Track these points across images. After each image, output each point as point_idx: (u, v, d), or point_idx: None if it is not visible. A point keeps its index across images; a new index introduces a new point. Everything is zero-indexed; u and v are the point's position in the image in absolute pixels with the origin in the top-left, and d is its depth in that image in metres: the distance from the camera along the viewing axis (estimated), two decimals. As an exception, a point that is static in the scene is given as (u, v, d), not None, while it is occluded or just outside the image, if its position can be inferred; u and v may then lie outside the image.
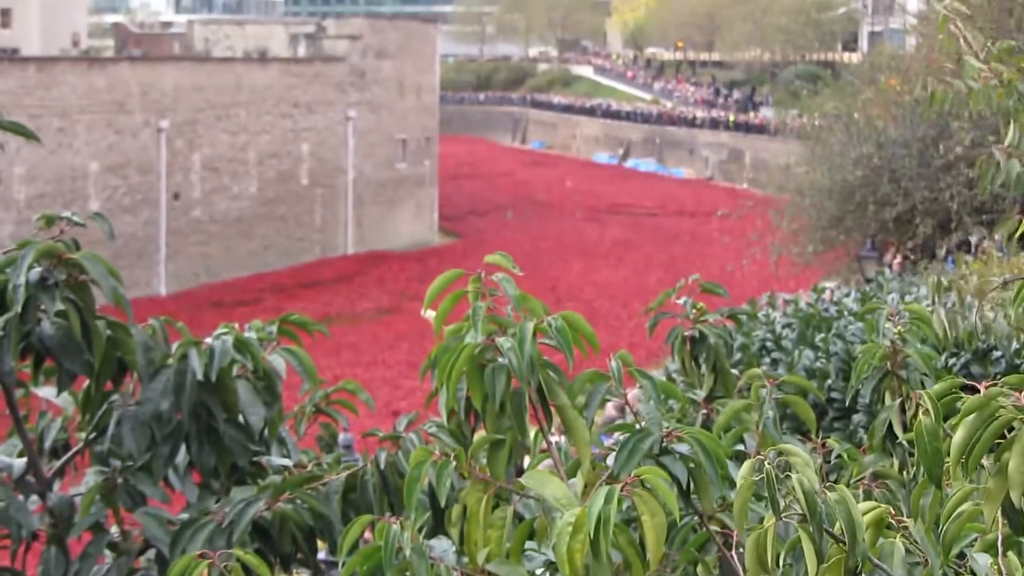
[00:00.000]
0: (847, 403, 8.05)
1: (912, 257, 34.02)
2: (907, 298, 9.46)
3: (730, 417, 4.13)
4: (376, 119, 76.68)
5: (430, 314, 3.63)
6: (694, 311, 4.80)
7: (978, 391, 3.14)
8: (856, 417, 7.70)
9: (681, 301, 4.83)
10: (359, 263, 70.86)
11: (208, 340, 3.95)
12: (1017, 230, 4.45)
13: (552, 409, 3.41)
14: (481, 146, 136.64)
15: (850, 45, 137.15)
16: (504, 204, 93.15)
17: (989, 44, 5.31)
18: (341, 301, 61.59)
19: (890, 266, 30.79)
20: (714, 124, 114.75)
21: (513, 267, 3.59)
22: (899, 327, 4.52)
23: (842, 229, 38.34)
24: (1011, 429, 3.09)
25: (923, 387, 4.26)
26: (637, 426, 3.43)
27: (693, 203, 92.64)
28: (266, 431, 4.07)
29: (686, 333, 4.79)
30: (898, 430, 4.17)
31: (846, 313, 10.84)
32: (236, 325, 4.11)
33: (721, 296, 4.97)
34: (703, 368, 4.73)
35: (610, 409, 16.48)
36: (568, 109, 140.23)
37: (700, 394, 4.69)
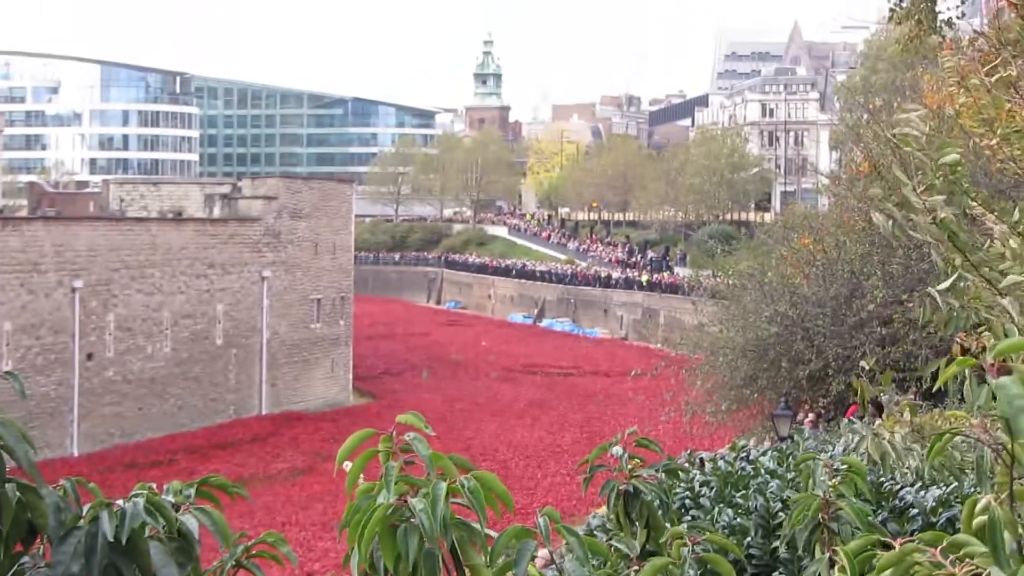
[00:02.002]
0: (766, 559, 8.03)
1: (823, 415, 34.18)
2: (823, 456, 9.51)
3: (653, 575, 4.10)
4: (291, 279, 76.71)
5: (347, 465, 3.60)
6: (629, 465, 4.78)
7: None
8: (775, 575, 7.69)
9: (617, 455, 4.82)
10: (273, 423, 70.37)
11: (119, 502, 3.90)
12: (934, 385, 4.49)
13: (466, 570, 3.38)
14: (396, 306, 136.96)
15: (763, 205, 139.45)
16: (419, 364, 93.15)
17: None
18: (255, 462, 61.03)
19: (802, 424, 30.93)
20: (628, 284, 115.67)
21: (425, 427, 3.57)
22: (834, 480, 4.54)
23: (756, 388, 38.46)
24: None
25: (852, 538, 4.25)
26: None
27: (608, 362, 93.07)
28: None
29: (621, 487, 4.77)
30: (827, 584, 4.14)
31: (763, 471, 10.86)
32: (153, 486, 4.06)
33: (654, 451, 4.96)
34: (635, 523, 4.70)
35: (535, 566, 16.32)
36: (483, 269, 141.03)
37: (634, 548, 4.66)
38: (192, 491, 4.24)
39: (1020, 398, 3.23)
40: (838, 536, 4.39)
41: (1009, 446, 3.29)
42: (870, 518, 4.49)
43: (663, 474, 4.99)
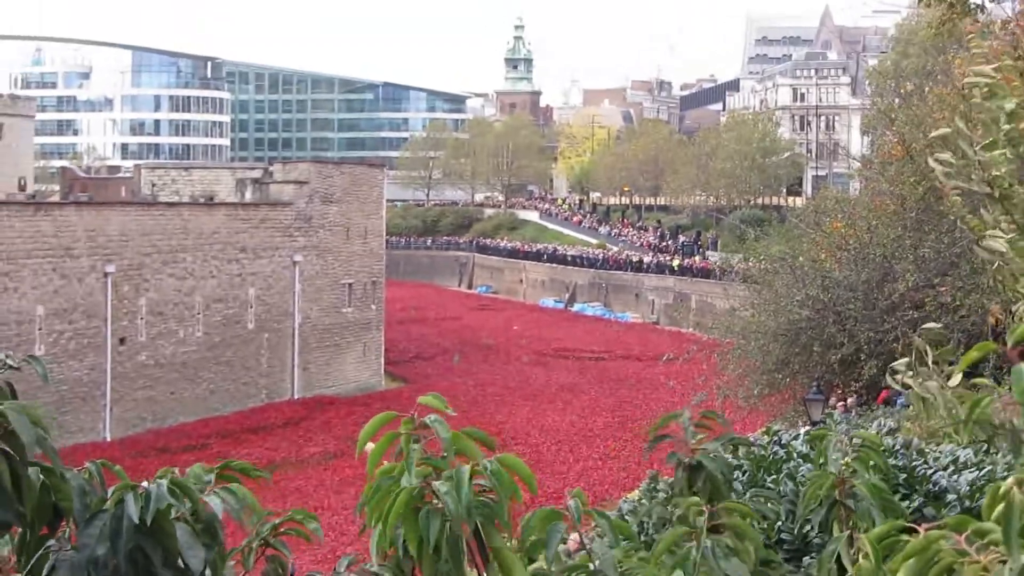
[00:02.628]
0: (796, 545, 7.98)
1: (858, 399, 34.10)
2: (854, 440, 9.47)
3: (668, 545, 4.04)
4: (322, 263, 76.82)
5: (371, 447, 3.58)
6: (695, 438, 4.68)
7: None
8: (807, 560, 7.65)
9: (683, 425, 4.73)
10: (305, 408, 70.53)
11: (144, 484, 3.89)
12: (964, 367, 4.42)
13: (490, 553, 3.36)
14: (428, 290, 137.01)
15: (794, 189, 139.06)
16: (451, 348, 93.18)
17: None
18: (287, 446, 61.20)
19: (835, 408, 30.85)
20: (660, 268, 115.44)
21: (446, 408, 3.55)
22: (847, 457, 4.49)
23: (788, 372, 38.42)
24: (952, 572, 3.03)
25: (871, 518, 4.21)
26: (591, 565, 3.37)
27: (639, 347, 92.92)
28: (208, 573, 3.99)
29: (686, 459, 4.67)
30: (847, 562, 4.07)
31: (795, 455, 10.81)
32: (176, 471, 4.05)
33: (721, 425, 4.88)
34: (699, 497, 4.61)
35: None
36: (514, 254, 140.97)
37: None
38: (212, 476, 4.22)
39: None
40: (855, 513, 4.34)
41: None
42: (885, 494, 4.42)
43: (728, 448, 4.90)
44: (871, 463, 4.49)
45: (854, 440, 4.62)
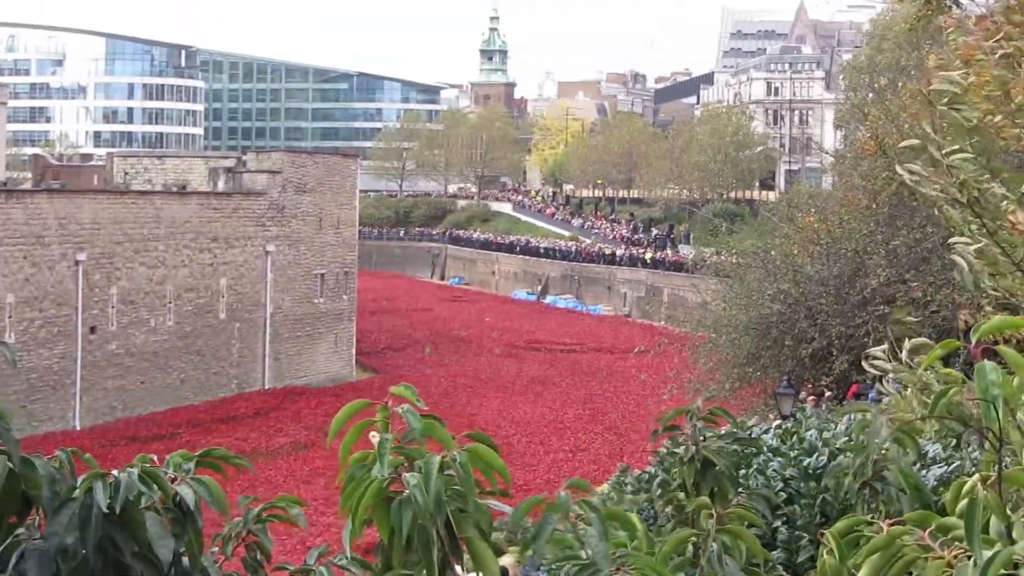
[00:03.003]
0: (767, 539, 8.00)
1: (828, 393, 34.18)
2: (825, 434, 9.55)
3: (675, 547, 4.04)
4: (295, 253, 76.67)
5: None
6: (702, 433, 4.64)
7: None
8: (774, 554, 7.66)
9: (692, 420, 4.68)
10: (276, 398, 70.41)
11: (115, 472, 3.87)
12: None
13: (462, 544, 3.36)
14: (400, 281, 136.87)
15: (767, 183, 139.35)
16: (422, 340, 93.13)
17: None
18: (257, 436, 61.09)
19: (805, 402, 30.92)
20: (632, 261, 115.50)
21: (417, 399, 3.55)
22: (887, 441, 4.45)
23: (759, 366, 38.52)
24: (915, 567, 3.05)
25: (898, 501, 4.19)
26: (583, 555, 3.36)
27: (611, 340, 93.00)
28: (184, 562, 3.97)
29: (691, 454, 4.63)
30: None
31: (765, 449, 10.82)
32: (154, 458, 4.03)
33: (728, 422, 4.85)
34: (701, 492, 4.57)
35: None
36: (487, 245, 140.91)
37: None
38: (192, 464, 4.20)
39: (996, 386, 3.18)
40: (880, 496, 4.33)
41: (996, 429, 3.23)
42: (914, 480, 4.39)
43: (734, 444, 4.86)
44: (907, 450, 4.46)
45: (894, 422, 4.58)
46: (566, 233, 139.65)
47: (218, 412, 66.13)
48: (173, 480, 4.05)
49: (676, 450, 4.73)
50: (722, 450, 4.61)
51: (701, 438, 4.65)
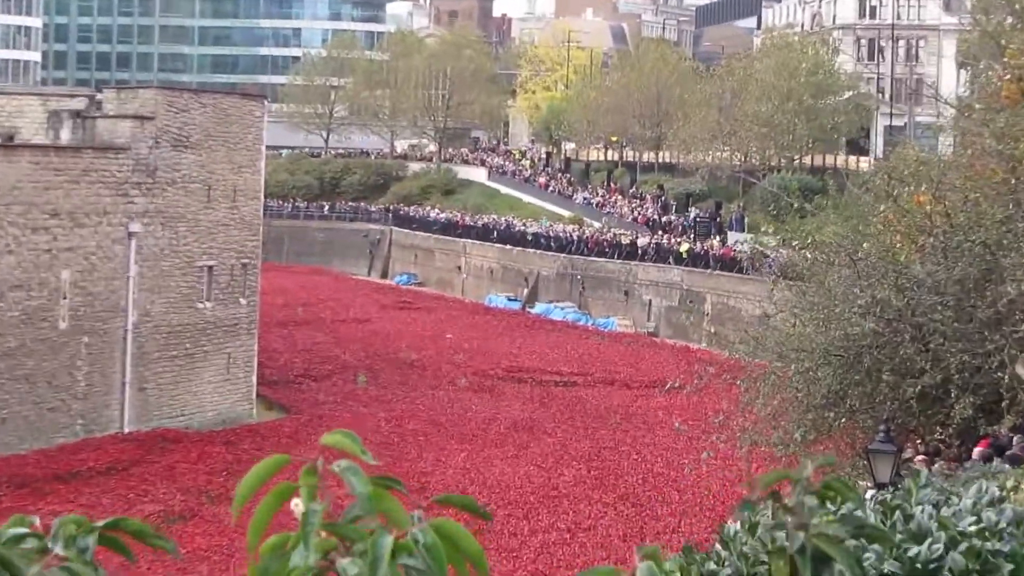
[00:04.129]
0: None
1: (945, 451, 34.17)
2: (943, 512, 9.46)
3: None
4: (171, 237, 76.59)
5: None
6: (812, 513, 4.51)
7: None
8: None
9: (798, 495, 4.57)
10: (140, 447, 70.36)
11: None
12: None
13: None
14: (323, 279, 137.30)
15: (859, 144, 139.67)
16: (354, 365, 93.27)
17: None
18: (112, 502, 61.04)
19: (911, 463, 30.96)
20: (661, 255, 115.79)
21: (362, 453, 3.50)
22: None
23: (843, 409, 38.49)
24: None
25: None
26: None
27: (629, 368, 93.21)
28: None
29: (794, 546, 4.48)
30: None
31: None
32: (36, 522, 3.98)
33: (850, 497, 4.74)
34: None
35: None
36: (449, 229, 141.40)
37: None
38: (91, 540, 4.14)
39: None
40: None
41: None
42: None
43: (860, 535, 4.74)
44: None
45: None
46: (565, 213, 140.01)
47: (55, 466, 66.01)
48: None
49: (770, 534, 4.59)
50: (840, 541, 4.48)
51: (810, 520, 4.52)
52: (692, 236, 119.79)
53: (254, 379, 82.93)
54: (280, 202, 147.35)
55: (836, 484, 4.60)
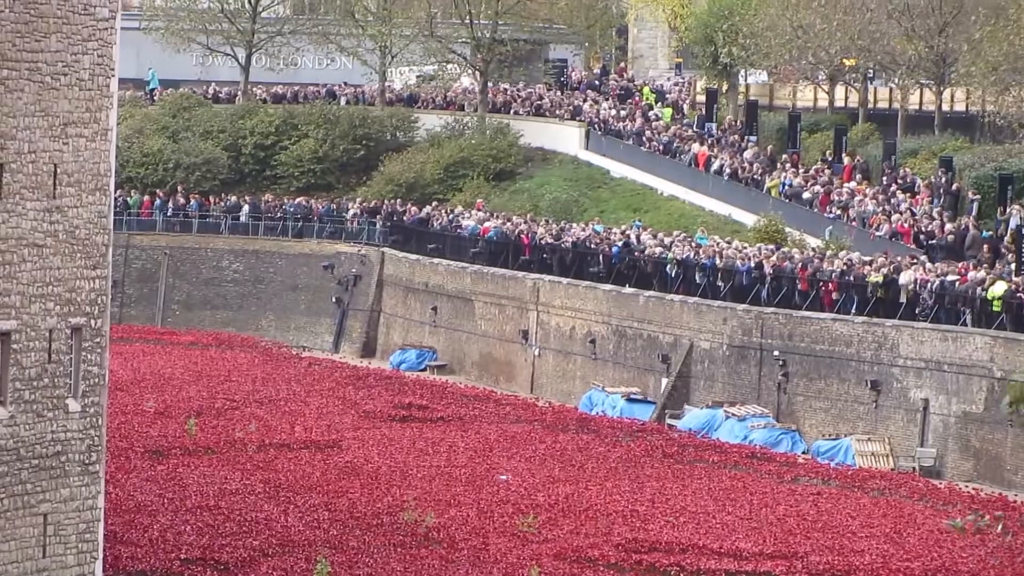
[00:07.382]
0: None
1: None
2: None
3: None
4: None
5: None
6: None
7: None
8: None
9: None
10: None
11: None
12: None
13: None
14: (243, 359, 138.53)
15: None
16: (306, 539, 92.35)
17: None
18: None
19: None
20: (949, 306, 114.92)
21: None
22: None
23: None
24: None
25: None
26: None
27: (885, 551, 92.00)
28: None
29: None
30: None
31: None
32: None
33: None
34: None
35: None
36: (504, 253, 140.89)
37: None
38: None
39: None
40: None
41: None
42: None
43: None
44: None
45: None
46: (749, 219, 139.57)
47: None
48: None
49: None
50: None
51: None
52: (1016, 265, 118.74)
53: (98, 568, 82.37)
54: (151, 198, 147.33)
55: None
